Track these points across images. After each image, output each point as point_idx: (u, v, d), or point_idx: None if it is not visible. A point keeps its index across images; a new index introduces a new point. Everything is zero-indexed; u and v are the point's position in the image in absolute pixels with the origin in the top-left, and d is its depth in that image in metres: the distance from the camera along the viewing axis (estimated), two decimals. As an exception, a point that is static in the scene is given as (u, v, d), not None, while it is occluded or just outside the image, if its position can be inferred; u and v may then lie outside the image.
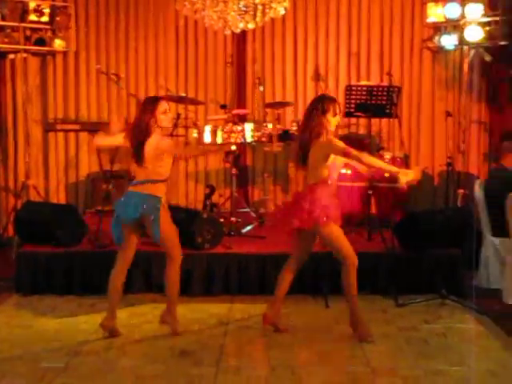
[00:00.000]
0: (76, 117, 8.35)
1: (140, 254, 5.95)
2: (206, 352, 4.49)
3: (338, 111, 4.68)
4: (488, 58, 7.51)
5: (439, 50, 8.09)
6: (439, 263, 5.80)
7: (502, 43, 7.45)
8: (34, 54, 8.12)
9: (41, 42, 7.76)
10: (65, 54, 8.23)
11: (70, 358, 4.36)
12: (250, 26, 6.38)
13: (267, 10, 6.35)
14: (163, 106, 4.67)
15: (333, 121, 4.64)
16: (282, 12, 6.42)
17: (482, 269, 6.06)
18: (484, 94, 8.24)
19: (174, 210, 6.10)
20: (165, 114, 4.66)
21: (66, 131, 7.80)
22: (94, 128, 7.22)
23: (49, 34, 7.84)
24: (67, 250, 6.02)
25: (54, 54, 8.20)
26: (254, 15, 6.17)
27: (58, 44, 7.84)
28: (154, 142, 4.61)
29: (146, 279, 5.91)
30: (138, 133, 4.63)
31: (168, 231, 4.70)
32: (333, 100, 4.79)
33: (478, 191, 6.15)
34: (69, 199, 8.35)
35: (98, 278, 5.85)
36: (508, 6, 7.36)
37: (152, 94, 8.38)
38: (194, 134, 7.20)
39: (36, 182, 8.12)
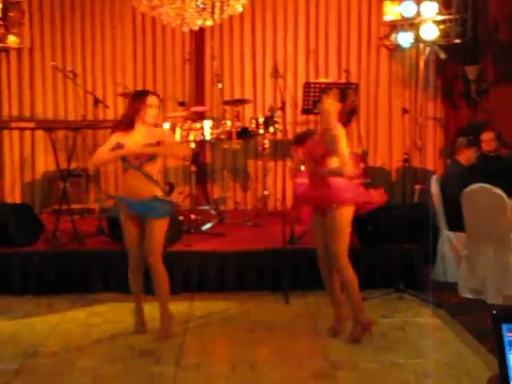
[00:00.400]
0: (31, 115, 8.22)
1: (99, 253, 5.94)
2: (166, 350, 4.46)
3: None
4: (443, 55, 7.64)
5: (396, 48, 8.19)
6: (397, 258, 5.87)
7: (456, 41, 7.58)
8: (-13, 50, 7.98)
9: (-7, 38, 7.62)
10: (19, 50, 8.09)
11: (25, 360, 4.28)
12: (208, 23, 6.36)
13: (225, 8, 6.34)
14: (150, 99, 4.59)
15: None
16: (240, 9, 6.42)
17: (438, 263, 6.15)
18: (439, 91, 8.38)
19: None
20: (150, 107, 4.57)
21: (21, 129, 7.66)
22: (50, 126, 7.11)
23: (2, 30, 7.70)
24: (23, 249, 5.91)
25: (7, 50, 8.05)
26: (212, 12, 6.15)
27: (12, 40, 7.71)
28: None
29: (105, 279, 5.84)
30: (124, 126, 4.60)
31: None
32: None
33: (434, 187, 6.25)
34: (25, 198, 8.21)
35: (55, 277, 5.78)
36: (462, 5, 7.49)
37: (109, 91, 8.32)
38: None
39: (-10, 182, 7.98)
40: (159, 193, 4.58)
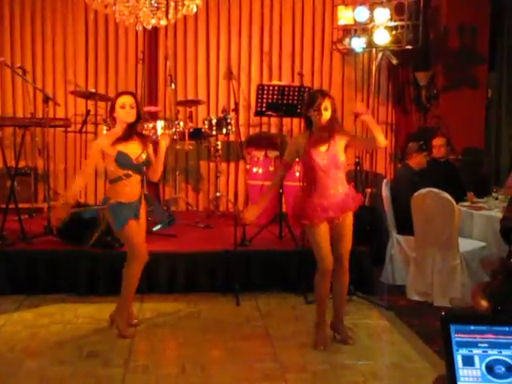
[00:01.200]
0: (-21, 111, 8.04)
1: (47, 253, 5.83)
2: (115, 352, 4.41)
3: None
4: (395, 61, 7.76)
5: (349, 52, 8.28)
6: (347, 260, 5.92)
7: (408, 47, 7.71)
8: None
9: None
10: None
11: (-30, 362, 4.19)
12: (162, 22, 6.31)
13: (179, 7, 6.30)
14: (122, 99, 4.54)
15: None
16: (195, 10, 6.38)
17: (387, 265, 6.23)
18: (391, 96, 8.50)
19: (85, 209, 6.00)
20: (123, 108, 4.51)
21: (-32, 126, 7.47)
22: (-1, 123, 6.97)
23: None
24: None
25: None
26: (167, 12, 6.11)
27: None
28: None
29: (52, 279, 5.74)
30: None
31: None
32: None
33: (385, 190, 6.33)
34: (-29, 197, 8.00)
35: (1, 278, 5.65)
36: (414, 12, 7.62)
37: (60, 89, 8.18)
38: (104, 131, 7.05)
39: None
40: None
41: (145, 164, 4.64)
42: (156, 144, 5.03)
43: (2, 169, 7.63)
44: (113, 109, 4.55)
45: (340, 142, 4.42)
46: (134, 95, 4.67)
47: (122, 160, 4.51)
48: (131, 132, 4.57)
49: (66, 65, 8.24)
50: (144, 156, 4.60)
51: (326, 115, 4.37)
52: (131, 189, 4.58)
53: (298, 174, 6.84)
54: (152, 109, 7.73)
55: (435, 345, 4.54)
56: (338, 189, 4.44)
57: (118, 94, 4.67)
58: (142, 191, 4.71)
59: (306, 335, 4.79)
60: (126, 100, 4.54)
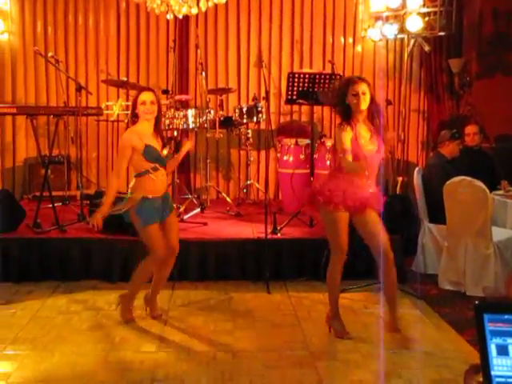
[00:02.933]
0: (13, 100, 8.14)
1: (79, 240, 5.91)
2: (146, 339, 4.46)
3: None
4: (427, 48, 7.65)
5: (380, 40, 8.19)
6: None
7: (441, 34, 7.60)
8: (-32, 34, 7.87)
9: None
10: (1, 34, 7.98)
11: (5, 346, 4.26)
12: (193, 11, 6.30)
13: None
14: (142, 96, 4.57)
15: None
16: (225, -2, 6.36)
17: (418, 254, 6.19)
18: (423, 84, 8.40)
19: (117, 197, 6.04)
20: (143, 104, 4.54)
21: (3, 115, 7.56)
22: (32, 112, 7.04)
23: (-16, 13, 7.60)
24: (4, 235, 5.85)
25: (-11, 34, 7.96)
26: (198, 0, 6.10)
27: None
28: None
29: (85, 265, 5.81)
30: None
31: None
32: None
33: (417, 179, 6.27)
34: (5, 184, 8.13)
35: (36, 264, 5.75)
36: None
37: (92, 78, 8.25)
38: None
39: (-29, 167, 7.90)
40: None
41: (167, 159, 4.70)
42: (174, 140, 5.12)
43: (36, 157, 7.76)
44: (135, 105, 4.59)
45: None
46: (154, 91, 4.69)
47: (151, 153, 4.54)
48: (158, 127, 4.64)
49: (98, 54, 8.31)
50: (165, 152, 4.66)
51: (367, 99, 4.19)
52: (157, 183, 4.60)
53: (328, 162, 6.83)
54: (183, 97, 7.75)
55: (467, 334, 4.50)
56: (367, 184, 4.37)
57: (139, 91, 4.68)
58: (166, 186, 4.75)
59: (337, 324, 4.79)
60: (146, 97, 4.55)
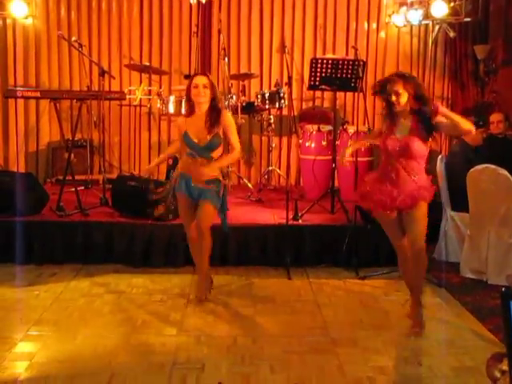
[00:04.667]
0: (36, 84, 8.19)
1: (102, 224, 5.95)
2: (167, 322, 4.49)
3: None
4: (452, 34, 7.57)
5: (404, 25, 8.12)
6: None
7: (467, 20, 7.51)
8: (-6, 18, 7.92)
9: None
10: (25, 19, 8.02)
11: (29, 327, 4.31)
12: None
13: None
14: (196, 80, 4.66)
15: None
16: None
17: (440, 242, 6.15)
18: (447, 71, 8.31)
19: (140, 181, 6.09)
20: (196, 88, 4.63)
21: (27, 98, 7.62)
22: (55, 96, 7.08)
23: (8, -1, 7.64)
24: (27, 218, 5.92)
25: (13, 18, 7.99)
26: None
27: (18, 9, 7.65)
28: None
29: (108, 249, 5.86)
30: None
31: None
32: None
33: (440, 166, 6.22)
34: (29, 168, 8.21)
35: (59, 247, 5.80)
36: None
37: (115, 62, 8.27)
38: (158, 104, 7.13)
39: (-5, 150, 7.98)
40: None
41: (208, 147, 4.68)
42: None
43: (59, 141, 7.82)
44: (189, 90, 4.67)
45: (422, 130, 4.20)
46: (208, 76, 4.74)
47: (187, 141, 4.68)
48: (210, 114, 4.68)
49: (121, 38, 8.33)
50: (209, 138, 4.65)
51: (401, 100, 4.16)
52: (193, 169, 4.67)
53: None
54: (205, 82, 7.74)
55: (489, 323, 4.48)
56: (403, 177, 4.28)
57: (192, 76, 4.79)
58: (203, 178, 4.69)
59: (358, 310, 4.80)
60: (199, 80, 4.63)
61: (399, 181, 4.27)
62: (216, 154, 4.71)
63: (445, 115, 4.14)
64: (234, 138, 4.74)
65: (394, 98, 4.17)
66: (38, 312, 4.61)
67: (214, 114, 4.68)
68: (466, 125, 4.13)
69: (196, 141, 4.65)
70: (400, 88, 4.15)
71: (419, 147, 4.21)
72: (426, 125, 4.17)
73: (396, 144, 4.24)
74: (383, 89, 4.23)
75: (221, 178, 4.73)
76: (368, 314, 4.71)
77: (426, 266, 4.48)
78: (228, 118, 4.75)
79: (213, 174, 4.67)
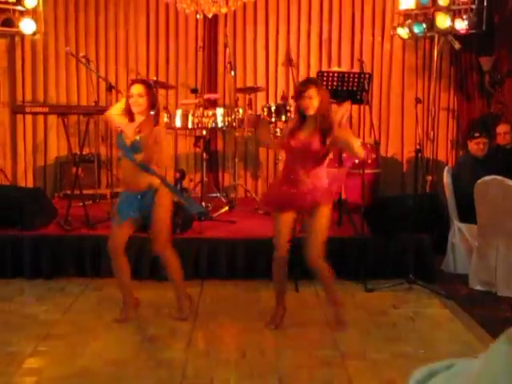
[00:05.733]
0: (44, 99, 8.25)
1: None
2: (175, 336, 4.49)
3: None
4: (457, 45, 7.58)
5: (409, 37, 8.14)
6: (408, 248, 5.86)
7: (472, 31, 7.52)
8: (2, 35, 7.99)
9: (8, 23, 7.63)
10: (33, 35, 8.09)
11: (38, 342, 4.32)
12: (223, 10, 6.33)
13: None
14: (131, 90, 4.56)
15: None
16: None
17: (448, 254, 6.15)
18: (453, 82, 8.32)
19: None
20: (131, 97, 4.53)
21: (35, 114, 7.68)
22: (63, 111, 7.13)
23: (17, 14, 7.71)
24: (35, 233, 5.94)
25: (22, 35, 8.06)
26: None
27: (26, 25, 7.72)
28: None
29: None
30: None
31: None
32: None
33: (446, 178, 6.23)
34: (37, 183, 8.26)
35: (67, 261, 5.82)
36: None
37: (122, 77, 8.33)
38: (165, 118, 7.17)
39: (3, 166, 8.02)
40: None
41: (133, 147, 4.54)
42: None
43: (67, 156, 7.87)
44: (127, 98, 4.57)
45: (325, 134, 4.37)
46: (145, 84, 4.64)
47: (118, 141, 4.66)
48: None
49: (127, 53, 8.39)
50: (137, 138, 4.53)
51: (312, 104, 4.33)
52: (125, 173, 4.70)
53: (357, 161, 6.80)
54: (212, 96, 7.79)
55: (498, 335, 4.43)
56: (296, 181, 4.40)
57: (130, 84, 4.69)
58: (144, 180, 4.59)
59: (366, 323, 4.79)
60: (136, 90, 4.52)
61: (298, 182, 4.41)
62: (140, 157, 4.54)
63: (338, 136, 4.31)
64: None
65: (307, 101, 4.33)
66: (47, 327, 4.62)
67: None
68: (356, 149, 4.29)
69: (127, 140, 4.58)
70: (313, 92, 4.33)
71: (318, 148, 4.34)
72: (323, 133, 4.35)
73: (298, 144, 4.38)
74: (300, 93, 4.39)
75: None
76: (377, 327, 4.70)
77: (328, 271, 4.62)
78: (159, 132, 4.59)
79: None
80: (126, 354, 4.19)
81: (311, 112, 4.35)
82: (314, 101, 4.33)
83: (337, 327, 4.63)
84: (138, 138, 4.52)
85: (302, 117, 4.44)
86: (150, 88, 4.67)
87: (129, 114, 4.59)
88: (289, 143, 4.44)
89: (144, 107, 4.54)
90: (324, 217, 4.45)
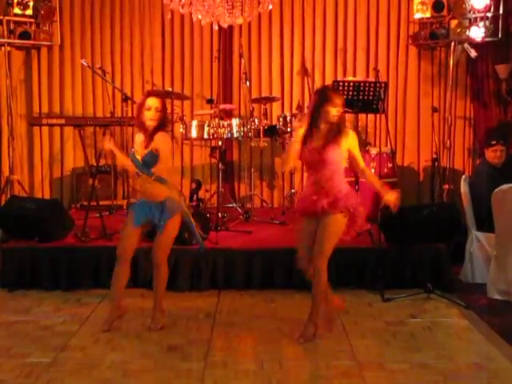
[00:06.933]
0: (61, 111, 8.31)
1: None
2: (194, 347, 4.48)
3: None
4: (473, 53, 7.55)
5: (425, 46, 8.12)
6: (425, 258, 5.83)
7: (488, 39, 7.50)
8: (18, 47, 8.07)
9: (25, 35, 7.71)
10: (49, 47, 8.18)
11: (56, 353, 4.33)
12: (239, 21, 6.35)
13: (255, 5, 6.32)
14: (148, 102, 4.58)
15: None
16: (270, 7, 6.39)
17: (466, 263, 6.10)
18: (469, 90, 8.28)
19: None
20: (148, 110, 4.57)
21: (52, 126, 7.74)
22: (80, 123, 7.18)
23: (33, 27, 7.79)
24: (53, 244, 5.97)
25: (38, 47, 8.15)
26: (242, 10, 6.14)
27: (43, 37, 7.79)
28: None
29: (132, 274, 5.87)
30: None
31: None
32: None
33: (464, 186, 6.20)
34: (53, 194, 8.31)
35: (85, 272, 5.84)
36: (494, 3, 7.42)
37: (138, 88, 8.38)
38: (181, 129, 7.20)
39: (20, 177, 8.06)
40: None
41: (145, 162, 4.62)
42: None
43: (84, 167, 7.91)
44: (140, 111, 4.63)
45: (344, 143, 4.45)
46: (161, 98, 4.68)
47: (133, 161, 4.66)
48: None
49: (143, 64, 8.45)
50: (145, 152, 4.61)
51: (336, 112, 4.40)
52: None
53: (373, 170, 6.79)
54: (227, 106, 7.82)
55: (518, 345, 4.42)
56: (318, 186, 4.46)
57: (145, 96, 4.71)
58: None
59: (384, 333, 4.75)
60: (152, 103, 4.57)
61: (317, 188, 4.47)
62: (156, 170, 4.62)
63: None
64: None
65: (335, 111, 4.39)
66: (65, 338, 4.63)
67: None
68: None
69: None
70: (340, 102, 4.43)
71: (334, 157, 4.41)
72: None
73: (314, 153, 4.42)
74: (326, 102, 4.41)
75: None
76: (394, 337, 4.66)
77: (324, 285, 4.51)
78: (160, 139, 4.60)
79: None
80: (144, 364, 4.18)
81: (334, 120, 4.40)
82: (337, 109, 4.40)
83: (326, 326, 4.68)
84: (146, 152, 4.59)
85: (314, 124, 4.45)
86: (165, 103, 4.70)
87: (142, 126, 4.63)
88: (304, 153, 4.45)
89: (158, 122, 4.58)
90: (331, 226, 4.45)
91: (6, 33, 7.54)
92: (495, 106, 8.03)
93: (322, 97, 4.46)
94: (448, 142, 7.85)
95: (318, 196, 4.45)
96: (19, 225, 6.10)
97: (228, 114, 7.63)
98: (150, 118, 4.56)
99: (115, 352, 4.40)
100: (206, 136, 7.08)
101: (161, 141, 4.57)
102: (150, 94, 4.77)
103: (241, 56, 7.43)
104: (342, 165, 4.50)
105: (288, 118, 7.30)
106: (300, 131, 4.48)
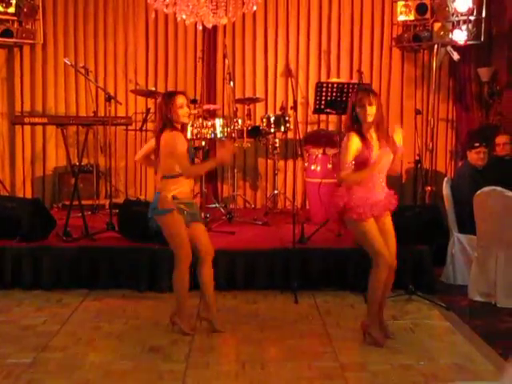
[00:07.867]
0: (43, 110, 8.25)
1: (109, 249, 5.96)
2: (175, 348, 4.47)
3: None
4: (456, 56, 7.60)
5: (408, 49, 8.16)
6: (407, 259, 5.83)
7: (470, 42, 7.55)
8: (1, 45, 8.01)
9: (7, 33, 7.64)
10: (32, 46, 8.11)
11: (37, 354, 4.30)
12: (223, 21, 6.33)
13: (239, 5, 6.31)
14: (180, 100, 4.57)
15: None
16: (255, 8, 6.37)
17: (448, 265, 6.13)
18: (452, 93, 8.34)
19: (141, 205, 6.09)
20: (181, 108, 4.56)
21: (34, 125, 7.68)
22: (62, 122, 7.14)
23: (15, 25, 7.73)
24: (34, 244, 5.93)
25: (20, 45, 8.08)
26: (227, 10, 6.13)
27: (26, 36, 7.73)
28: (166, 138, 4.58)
29: (114, 274, 5.85)
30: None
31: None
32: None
33: (446, 188, 6.23)
34: (35, 193, 8.24)
35: (66, 272, 5.80)
36: (477, 6, 7.47)
37: (121, 88, 8.34)
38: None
39: (2, 176, 8.02)
40: None
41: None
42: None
43: (66, 166, 7.87)
44: (168, 109, 4.60)
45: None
46: (184, 93, 4.74)
47: (190, 155, 4.70)
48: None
49: (126, 64, 8.40)
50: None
51: (372, 111, 4.33)
52: (185, 185, 4.74)
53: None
54: (211, 107, 7.80)
55: (499, 347, 4.44)
56: (382, 187, 4.47)
57: (173, 94, 4.71)
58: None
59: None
60: (183, 100, 4.61)
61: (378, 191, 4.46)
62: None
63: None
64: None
65: (368, 108, 4.32)
66: (46, 338, 4.60)
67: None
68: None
69: None
70: (373, 100, 4.33)
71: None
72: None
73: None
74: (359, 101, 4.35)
75: None
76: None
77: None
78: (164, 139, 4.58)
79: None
80: (125, 365, 4.16)
81: (371, 119, 4.35)
82: (373, 108, 4.34)
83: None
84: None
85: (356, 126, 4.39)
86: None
87: (172, 124, 4.57)
88: (367, 156, 4.35)
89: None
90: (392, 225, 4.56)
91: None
92: (477, 108, 8.09)
93: (354, 99, 4.41)
94: (430, 144, 7.91)
95: (386, 196, 4.48)
96: (0, 224, 6.05)
97: (211, 114, 7.61)
98: (186, 114, 4.60)
99: (96, 353, 4.38)
100: (189, 136, 7.04)
101: (166, 141, 4.60)
102: (178, 92, 4.76)
103: (225, 56, 7.42)
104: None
105: (272, 119, 7.30)
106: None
